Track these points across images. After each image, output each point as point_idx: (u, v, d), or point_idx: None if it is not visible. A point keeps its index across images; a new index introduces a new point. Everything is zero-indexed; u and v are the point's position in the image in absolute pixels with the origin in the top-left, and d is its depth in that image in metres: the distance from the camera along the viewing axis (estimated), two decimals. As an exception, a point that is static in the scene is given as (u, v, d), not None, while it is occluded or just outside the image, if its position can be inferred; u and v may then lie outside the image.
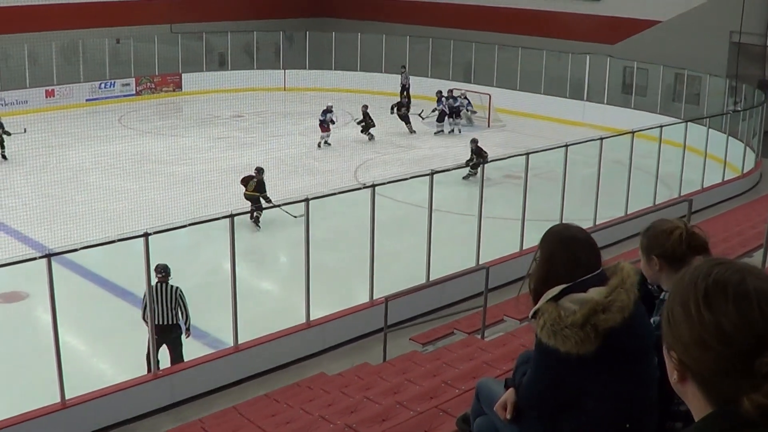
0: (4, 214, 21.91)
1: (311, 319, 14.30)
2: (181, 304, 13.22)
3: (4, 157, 25.72)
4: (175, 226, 13.59)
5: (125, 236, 12.53)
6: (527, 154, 17.70)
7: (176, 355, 13.45)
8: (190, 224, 13.50)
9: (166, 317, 13.11)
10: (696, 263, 1.88)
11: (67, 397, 11.75)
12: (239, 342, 13.56)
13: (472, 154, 25.47)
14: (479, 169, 24.07)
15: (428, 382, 8.98)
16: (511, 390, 4.23)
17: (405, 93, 38.79)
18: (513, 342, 10.66)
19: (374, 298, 14.94)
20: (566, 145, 18.50)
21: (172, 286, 13.23)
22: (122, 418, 12.17)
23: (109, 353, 14.95)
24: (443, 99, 33.44)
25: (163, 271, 13.20)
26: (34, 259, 11.81)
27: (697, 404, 1.81)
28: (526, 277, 4.06)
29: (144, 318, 13.03)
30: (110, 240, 12.58)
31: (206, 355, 13.64)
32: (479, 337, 12.52)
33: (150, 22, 41.44)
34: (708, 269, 1.80)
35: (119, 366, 13.95)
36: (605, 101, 35.63)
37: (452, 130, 33.05)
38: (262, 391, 12.06)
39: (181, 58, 41.50)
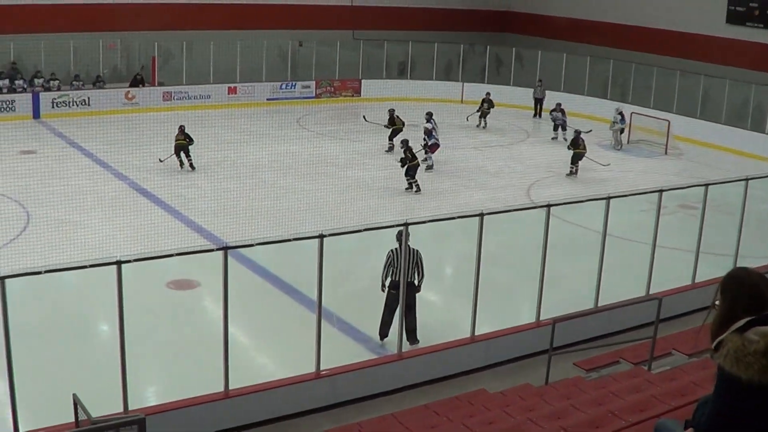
0: (182, 204, 22.64)
1: (476, 333, 14.25)
2: (420, 264, 14.43)
3: (192, 166, 26.33)
4: (350, 230, 13.72)
5: (300, 236, 12.68)
6: (706, 185, 17.19)
7: (412, 315, 14.59)
8: (365, 229, 13.59)
9: (410, 275, 14.32)
10: None
11: (230, 387, 12.01)
12: (402, 351, 13.63)
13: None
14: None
15: (593, 410, 8.81)
16: (690, 430, 4.17)
17: (539, 107, 39.82)
18: (683, 378, 10.34)
19: (540, 318, 14.78)
20: (747, 179, 17.91)
21: (412, 249, 14.32)
22: (282, 413, 12.36)
23: (273, 349, 15.22)
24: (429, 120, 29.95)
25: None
26: (212, 250, 12.08)
27: None
28: (710, 309, 4.08)
29: (383, 279, 14.60)
30: (286, 238, 12.77)
31: (368, 360, 13.75)
32: (646, 368, 12.23)
33: (333, 27, 42.23)
34: None
35: (282, 362, 14.21)
36: (790, 136, 34.29)
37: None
38: (423, 402, 12.06)
39: (362, 65, 42.09)
